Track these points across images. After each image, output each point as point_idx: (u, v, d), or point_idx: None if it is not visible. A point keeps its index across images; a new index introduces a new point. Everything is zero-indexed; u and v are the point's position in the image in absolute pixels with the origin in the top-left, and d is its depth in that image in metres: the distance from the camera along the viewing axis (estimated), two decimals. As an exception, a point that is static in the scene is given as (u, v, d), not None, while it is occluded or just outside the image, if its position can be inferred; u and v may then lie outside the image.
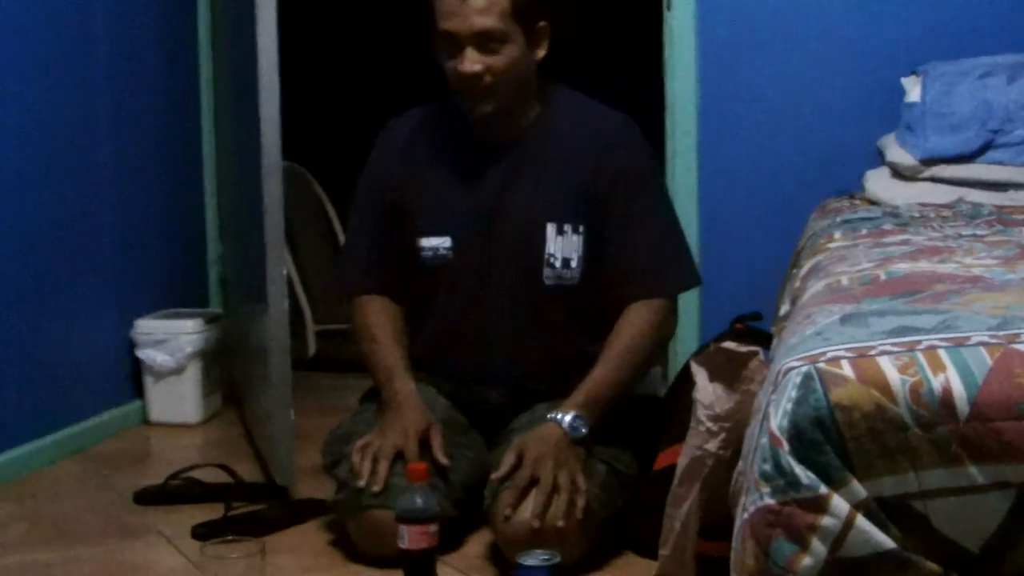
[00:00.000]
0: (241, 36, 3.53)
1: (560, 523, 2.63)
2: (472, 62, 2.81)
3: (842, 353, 1.67)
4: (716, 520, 2.29)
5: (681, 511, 2.40)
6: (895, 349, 1.66)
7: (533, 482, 2.70)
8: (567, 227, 2.95)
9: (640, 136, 3.06)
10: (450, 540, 2.83)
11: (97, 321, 4.07)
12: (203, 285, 4.77)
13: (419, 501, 2.49)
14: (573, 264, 2.95)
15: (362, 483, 2.74)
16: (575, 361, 2.96)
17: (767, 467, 1.62)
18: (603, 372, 2.89)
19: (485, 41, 2.81)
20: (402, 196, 3.03)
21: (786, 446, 1.61)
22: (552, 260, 2.95)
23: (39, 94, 3.75)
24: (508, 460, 2.75)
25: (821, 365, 1.65)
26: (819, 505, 1.59)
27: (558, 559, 2.26)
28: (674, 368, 3.94)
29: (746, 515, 1.65)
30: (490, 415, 3.03)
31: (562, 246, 2.95)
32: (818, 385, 1.62)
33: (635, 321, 2.93)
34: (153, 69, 4.44)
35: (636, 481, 2.89)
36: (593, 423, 2.81)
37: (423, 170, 3.02)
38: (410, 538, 2.47)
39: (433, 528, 2.49)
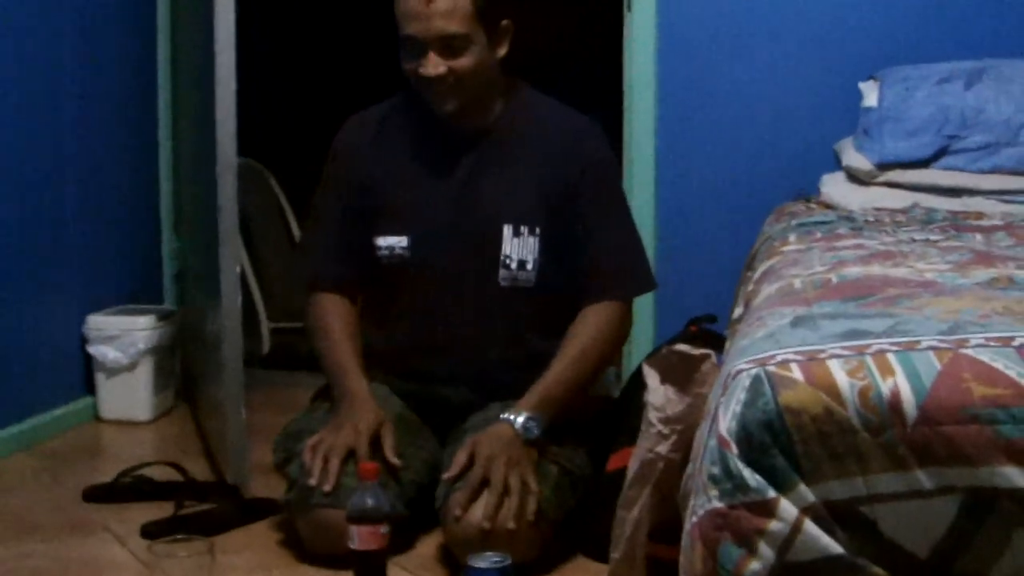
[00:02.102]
0: (199, 33, 3.52)
1: (510, 524, 2.62)
2: (435, 65, 2.81)
3: (792, 356, 1.67)
4: (667, 523, 2.28)
5: (632, 514, 2.39)
6: (845, 352, 1.66)
7: (484, 482, 2.69)
8: (524, 228, 2.94)
9: (605, 137, 3.07)
10: (402, 540, 2.82)
11: (50, 316, 4.04)
12: (157, 281, 4.74)
13: (370, 501, 2.47)
14: (529, 267, 2.95)
15: (313, 481, 2.72)
16: (532, 361, 2.95)
17: (715, 470, 1.62)
18: (557, 374, 2.88)
19: (448, 44, 2.80)
20: (366, 192, 3.01)
21: (734, 449, 1.60)
22: (508, 262, 2.94)
23: (6, 91, 3.72)
24: (460, 459, 2.74)
25: (771, 368, 1.64)
26: (767, 509, 1.59)
27: (509, 561, 2.25)
28: (628, 369, 3.94)
29: (695, 518, 1.65)
30: (445, 414, 3.02)
31: (518, 248, 2.94)
32: (767, 388, 1.61)
33: (591, 324, 2.93)
34: (115, 64, 4.42)
35: (589, 483, 2.89)
36: (546, 424, 2.81)
37: (387, 167, 3.01)
38: (360, 538, 2.46)
39: (384, 529, 2.48)
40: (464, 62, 2.83)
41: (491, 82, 2.94)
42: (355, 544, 2.47)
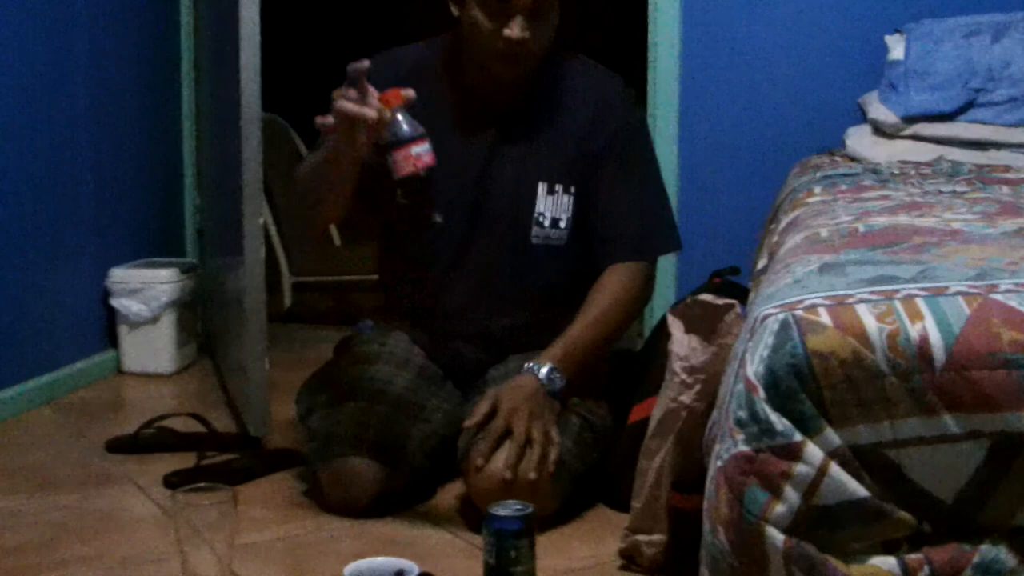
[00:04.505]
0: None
1: (532, 475, 2.62)
2: (522, 29, 2.73)
3: (820, 301, 1.66)
4: (689, 473, 2.28)
5: (654, 464, 2.39)
6: (873, 298, 1.65)
7: (507, 433, 2.69)
8: (558, 187, 2.92)
9: (634, 98, 3.04)
10: (424, 491, 2.85)
11: (73, 270, 4.05)
12: (180, 235, 4.75)
13: (405, 127, 2.49)
14: (562, 225, 2.92)
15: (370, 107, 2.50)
16: (556, 320, 2.93)
17: (742, 414, 1.61)
18: (581, 329, 2.86)
19: (535, 11, 2.74)
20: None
21: (762, 393, 1.59)
22: (541, 219, 2.92)
23: (17, 41, 3.71)
24: (482, 409, 2.73)
25: (799, 312, 1.63)
26: (793, 453, 1.58)
27: (531, 510, 2.24)
28: (651, 322, 3.94)
29: (720, 463, 1.64)
30: (465, 367, 3.02)
31: (552, 206, 2.92)
32: (795, 332, 1.60)
33: (616, 282, 2.90)
34: (133, 17, 4.41)
35: (610, 435, 2.89)
36: (568, 377, 2.80)
37: (416, 109, 2.96)
38: (407, 162, 2.48)
39: (420, 148, 2.49)
40: (544, 28, 2.78)
41: (549, 47, 2.88)
42: (397, 174, 2.49)
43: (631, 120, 3.01)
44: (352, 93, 2.51)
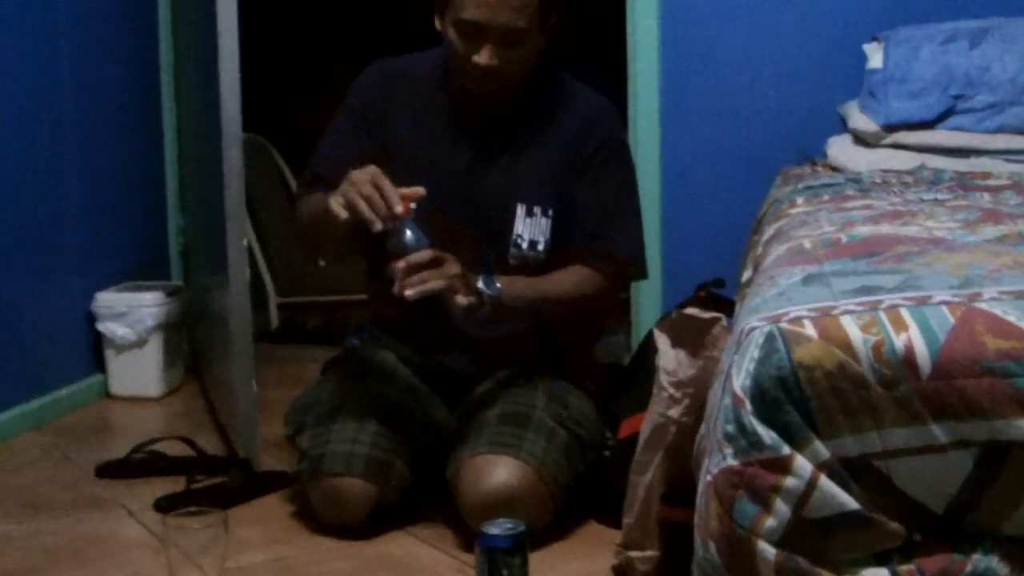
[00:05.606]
0: (201, 5, 3.50)
1: (438, 284, 2.60)
2: (491, 56, 2.74)
3: (804, 313, 1.66)
4: (680, 487, 2.28)
5: (645, 478, 2.40)
6: (857, 308, 1.66)
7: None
8: (536, 209, 2.92)
9: (621, 121, 3.05)
10: (413, 508, 2.85)
11: (58, 294, 4.04)
12: (164, 257, 4.74)
13: (409, 235, 2.55)
14: (540, 247, 2.92)
15: (379, 217, 2.55)
16: (536, 333, 2.96)
17: (730, 428, 1.61)
18: (537, 282, 2.87)
19: (509, 38, 2.74)
20: (378, 135, 2.95)
21: (749, 406, 1.60)
22: (519, 241, 2.91)
23: (5, 64, 3.71)
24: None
25: (783, 325, 1.64)
26: (782, 465, 1.58)
27: (523, 527, 2.25)
28: (637, 336, 3.94)
29: (709, 477, 1.65)
30: (453, 382, 3.02)
31: (530, 228, 2.92)
32: (780, 344, 1.61)
33: (577, 272, 2.90)
34: (115, 39, 4.41)
35: (599, 448, 2.89)
36: (500, 302, 2.76)
37: (405, 123, 2.96)
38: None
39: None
40: (517, 55, 2.78)
41: (529, 72, 2.90)
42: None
43: (620, 135, 3.04)
44: (371, 191, 2.55)
